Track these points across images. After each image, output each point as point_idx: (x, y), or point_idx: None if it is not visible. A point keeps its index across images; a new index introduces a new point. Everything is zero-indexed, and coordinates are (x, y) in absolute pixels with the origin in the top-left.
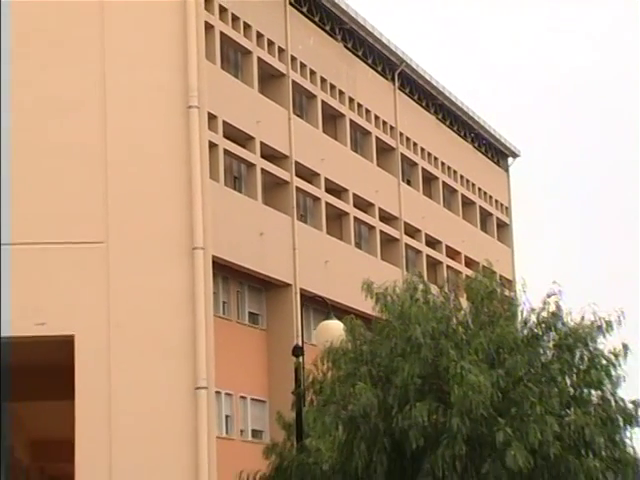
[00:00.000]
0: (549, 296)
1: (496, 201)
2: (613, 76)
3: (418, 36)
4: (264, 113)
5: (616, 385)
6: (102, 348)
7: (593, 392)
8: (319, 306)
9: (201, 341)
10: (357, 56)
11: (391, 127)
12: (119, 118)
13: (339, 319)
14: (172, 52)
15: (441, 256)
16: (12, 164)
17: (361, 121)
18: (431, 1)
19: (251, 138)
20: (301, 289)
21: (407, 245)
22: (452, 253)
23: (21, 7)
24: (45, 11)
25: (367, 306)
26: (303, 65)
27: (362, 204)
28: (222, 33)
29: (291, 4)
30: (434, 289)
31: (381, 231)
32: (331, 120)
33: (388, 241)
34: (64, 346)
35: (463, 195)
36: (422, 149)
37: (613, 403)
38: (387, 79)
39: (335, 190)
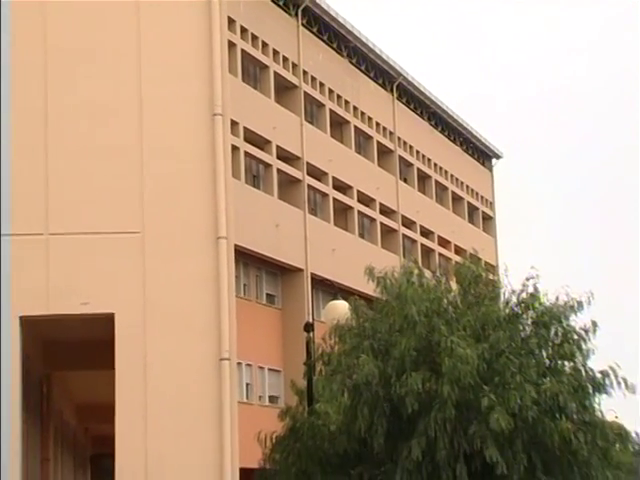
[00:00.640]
0: (528, 279)
1: (481, 197)
2: (589, 86)
3: (414, 52)
4: (279, 120)
5: (586, 357)
6: (138, 324)
7: (566, 363)
8: (327, 288)
9: (224, 318)
10: (360, 70)
11: (390, 132)
12: (154, 124)
13: (345, 300)
14: (200, 66)
15: (433, 245)
16: (66, 167)
17: (364, 127)
18: (426, 20)
19: (268, 142)
20: (312, 273)
21: (404, 235)
22: (443, 242)
23: (75, 25)
24: (88, 30)
25: (369, 288)
26: (313, 78)
27: (365, 199)
28: (243, 50)
29: (303, 25)
30: (427, 273)
31: (381, 223)
32: (338, 126)
33: (387, 232)
34: (106, 323)
35: (453, 192)
36: (417, 151)
37: (584, 373)
38: (387, 90)
39: (341, 187)
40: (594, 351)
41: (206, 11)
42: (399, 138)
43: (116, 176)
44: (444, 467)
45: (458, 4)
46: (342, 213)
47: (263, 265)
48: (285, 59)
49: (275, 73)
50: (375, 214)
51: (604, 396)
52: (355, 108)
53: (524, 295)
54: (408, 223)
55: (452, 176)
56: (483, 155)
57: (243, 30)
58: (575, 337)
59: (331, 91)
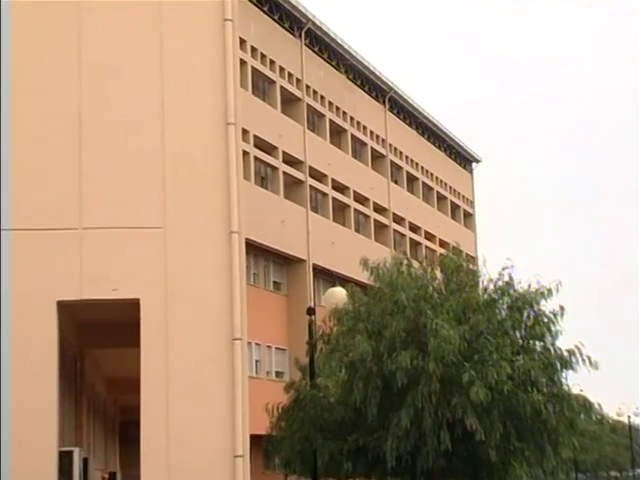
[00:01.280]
0: (503, 269)
1: (463, 196)
2: (558, 99)
3: (404, 69)
4: (285, 128)
5: (555, 337)
6: (161, 308)
7: (537, 343)
8: (327, 277)
9: (236, 303)
10: (356, 85)
11: (382, 139)
12: (174, 132)
13: (342, 287)
14: (215, 81)
15: (420, 238)
16: (97, 170)
17: (359, 135)
18: (415, 41)
19: (275, 147)
20: (313, 264)
21: (395, 230)
22: (429, 236)
23: (106, 46)
24: (118, 49)
25: (364, 277)
26: (315, 92)
27: (360, 198)
28: (253, 67)
29: (306, 45)
30: (415, 264)
31: (374, 219)
32: (336, 134)
33: (380, 227)
34: (132, 307)
35: (438, 192)
36: (406, 156)
37: (552, 351)
38: (379, 103)
39: (339, 187)
40: (562, 332)
41: (221, 33)
42: (390, 145)
43: (141, 178)
44: (430, 434)
45: (443, 25)
46: (340, 210)
47: (270, 256)
48: (290, 75)
49: (281, 87)
50: (369, 211)
51: (570, 372)
52: (352, 118)
53: (500, 283)
54: (398, 219)
55: (437, 178)
56: (464, 159)
57: (253, 49)
58: (545, 320)
59: (330, 103)
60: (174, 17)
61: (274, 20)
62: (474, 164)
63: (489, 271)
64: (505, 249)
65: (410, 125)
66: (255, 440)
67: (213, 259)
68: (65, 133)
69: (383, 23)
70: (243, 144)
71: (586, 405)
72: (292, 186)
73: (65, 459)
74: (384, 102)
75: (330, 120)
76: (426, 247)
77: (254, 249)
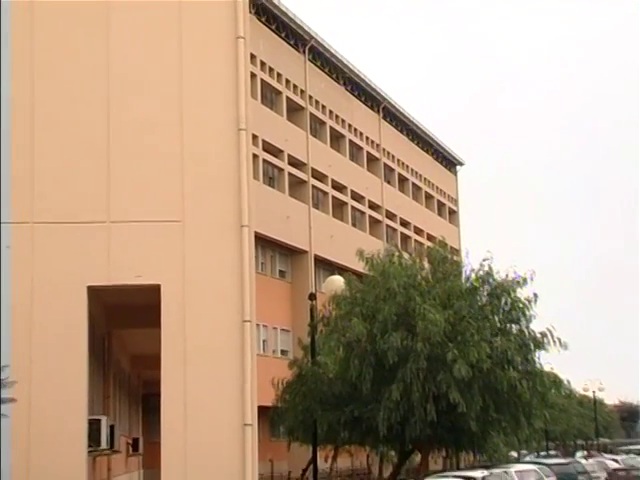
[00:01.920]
0: (484, 260)
1: (448, 195)
2: (532, 109)
3: (397, 82)
4: (290, 134)
5: (529, 321)
6: (179, 293)
7: (513, 326)
8: (327, 266)
9: (246, 289)
10: (354, 95)
11: (377, 144)
12: (192, 136)
13: (340, 275)
14: (228, 92)
15: (410, 233)
16: (123, 169)
17: (356, 140)
18: (408, 56)
19: (281, 151)
20: (315, 254)
21: (387, 225)
22: (418, 231)
23: (132, 57)
24: (142, 61)
25: (359, 266)
26: (317, 101)
27: (356, 197)
28: (262, 79)
29: (309, 60)
30: (405, 255)
31: (369, 215)
32: (336, 139)
33: (374, 222)
34: (154, 291)
35: (426, 191)
36: (398, 160)
37: (527, 334)
38: (374, 111)
39: (338, 187)
40: (535, 317)
41: (233, 49)
42: (384, 149)
43: (162, 177)
44: (417, 406)
45: (432, 42)
46: (339, 207)
47: (276, 248)
48: (295, 86)
49: (287, 97)
50: (364, 208)
51: (543, 352)
52: (349, 125)
53: (481, 273)
54: (390, 215)
55: (425, 179)
56: (449, 162)
57: (262, 64)
58: (520, 305)
59: (331, 112)
60: (193, 35)
61: (281, 37)
62: (458, 167)
63: (471, 262)
64: (486, 243)
65: (401, 132)
66: (262, 411)
67: (226, 250)
68: (95, 138)
69: (378, 39)
70: (253, 148)
71: (556, 381)
72: (296, 185)
73: (94, 426)
74: (378, 111)
75: (330, 127)
76: (415, 240)
77: (262, 241)
